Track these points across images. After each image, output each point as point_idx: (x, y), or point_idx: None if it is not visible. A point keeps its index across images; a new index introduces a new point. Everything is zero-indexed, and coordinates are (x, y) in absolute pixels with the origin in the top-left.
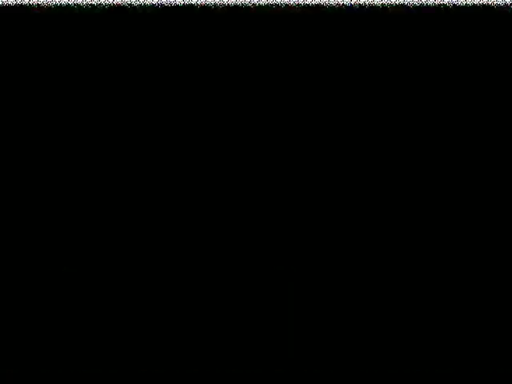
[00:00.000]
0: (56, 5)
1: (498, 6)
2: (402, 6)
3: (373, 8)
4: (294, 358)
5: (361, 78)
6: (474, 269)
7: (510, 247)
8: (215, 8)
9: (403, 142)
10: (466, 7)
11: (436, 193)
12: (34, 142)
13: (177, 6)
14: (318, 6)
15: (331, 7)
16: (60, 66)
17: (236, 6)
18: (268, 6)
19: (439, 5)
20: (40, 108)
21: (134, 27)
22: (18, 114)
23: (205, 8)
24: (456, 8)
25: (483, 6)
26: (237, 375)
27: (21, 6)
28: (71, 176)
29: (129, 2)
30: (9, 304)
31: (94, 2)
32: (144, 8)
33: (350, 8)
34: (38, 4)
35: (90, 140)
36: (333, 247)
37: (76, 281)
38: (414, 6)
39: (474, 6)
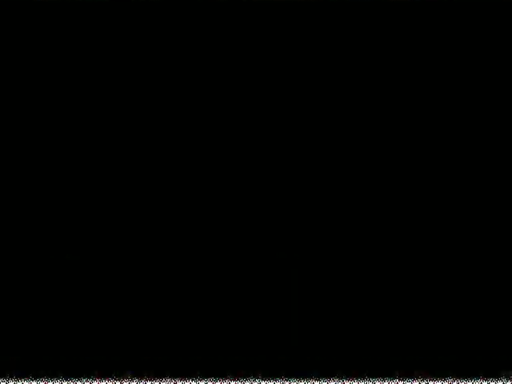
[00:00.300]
0: None
1: None
2: None
3: None
4: (296, 345)
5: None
6: (471, 266)
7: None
8: None
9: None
10: None
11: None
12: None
13: None
14: None
15: None
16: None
17: None
18: None
19: None
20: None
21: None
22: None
23: None
24: None
25: None
26: (240, 362)
27: None
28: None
29: None
30: (13, 296)
31: None
32: None
33: None
34: None
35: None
36: (334, 236)
37: (80, 274)
38: None
39: None
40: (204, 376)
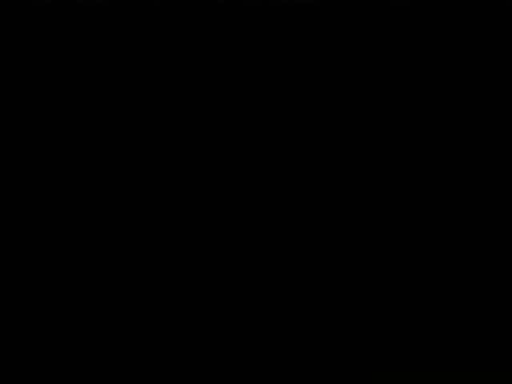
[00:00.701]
0: None
1: None
2: None
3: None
4: (297, 344)
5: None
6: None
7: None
8: None
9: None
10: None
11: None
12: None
13: None
14: None
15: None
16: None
17: None
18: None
19: None
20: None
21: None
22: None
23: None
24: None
25: None
26: (240, 362)
27: None
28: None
29: None
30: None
31: None
32: None
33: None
34: None
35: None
36: (334, 236)
37: (80, 273)
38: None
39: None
40: (204, 375)
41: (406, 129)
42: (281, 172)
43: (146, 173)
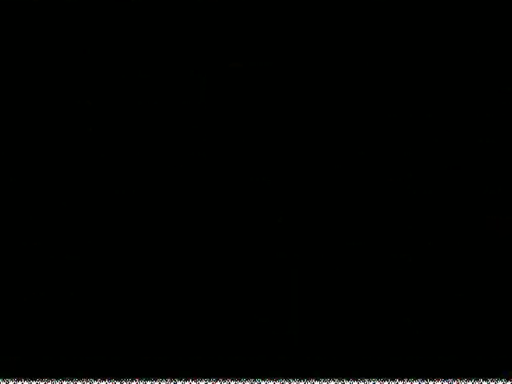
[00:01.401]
0: None
1: None
2: None
3: None
4: (297, 345)
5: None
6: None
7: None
8: None
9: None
10: None
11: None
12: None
13: None
14: None
15: None
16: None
17: None
18: None
19: None
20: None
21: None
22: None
23: None
24: None
25: None
26: (240, 362)
27: None
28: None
29: None
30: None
31: None
32: None
33: None
34: None
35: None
36: (334, 236)
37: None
38: None
39: None
40: (204, 376)
41: (405, 128)
42: (280, 171)
43: (145, 171)
